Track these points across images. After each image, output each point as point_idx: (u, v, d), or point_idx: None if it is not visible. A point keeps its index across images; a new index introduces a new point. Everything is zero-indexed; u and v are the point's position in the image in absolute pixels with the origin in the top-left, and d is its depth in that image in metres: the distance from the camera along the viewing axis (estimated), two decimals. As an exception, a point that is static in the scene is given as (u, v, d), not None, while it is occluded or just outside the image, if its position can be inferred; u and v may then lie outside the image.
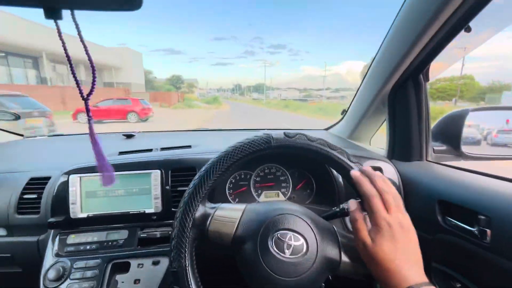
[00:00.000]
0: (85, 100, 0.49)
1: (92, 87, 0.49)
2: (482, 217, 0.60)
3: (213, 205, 0.54)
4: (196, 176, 0.51)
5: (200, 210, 0.51)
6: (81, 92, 0.50)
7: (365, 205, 0.47)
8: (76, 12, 0.48)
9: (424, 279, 0.41)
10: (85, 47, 0.51)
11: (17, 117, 1.25)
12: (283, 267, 0.45)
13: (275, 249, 0.46)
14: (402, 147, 0.92)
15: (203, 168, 0.51)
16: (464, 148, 0.86)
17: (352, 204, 0.49)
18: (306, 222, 0.49)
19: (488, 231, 0.59)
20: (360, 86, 1.06)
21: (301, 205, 0.56)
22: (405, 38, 0.69)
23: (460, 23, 0.60)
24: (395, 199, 0.46)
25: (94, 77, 0.50)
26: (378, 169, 0.88)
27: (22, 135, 1.37)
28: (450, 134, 0.88)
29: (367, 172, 0.49)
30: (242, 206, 0.54)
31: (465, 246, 0.65)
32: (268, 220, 0.49)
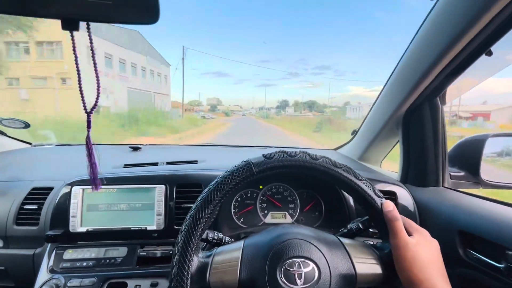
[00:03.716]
0: (88, 113, 0.50)
1: (96, 102, 0.50)
2: (511, 252, 0.55)
3: (207, 252, 0.49)
4: (183, 227, 0.46)
5: (195, 263, 0.45)
6: (84, 106, 0.50)
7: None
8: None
9: None
10: (94, 60, 0.51)
11: (26, 125, 1.26)
12: None
13: (287, 283, 0.42)
14: (417, 172, 0.88)
15: (188, 216, 0.47)
16: (484, 175, 0.81)
17: (388, 204, 0.48)
18: (310, 242, 0.46)
19: None
20: (372, 106, 1.04)
21: (300, 225, 0.53)
22: (424, 59, 0.68)
23: (482, 47, 0.58)
24: None
25: (98, 92, 0.51)
26: (391, 193, 0.84)
27: (30, 143, 1.37)
28: (469, 160, 0.84)
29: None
30: (240, 244, 0.49)
31: (489, 283, 0.60)
32: (272, 253, 0.45)
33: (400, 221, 0.46)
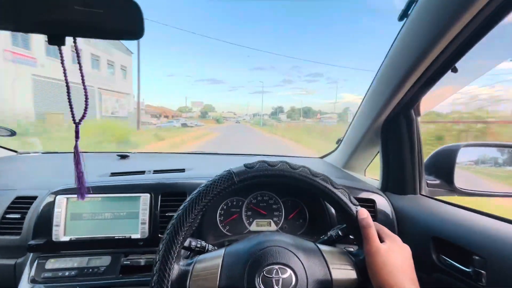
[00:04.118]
0: (77, 124, 0.53)
1: (85, 113, 0.52)
2: (477, 257, 0.58)
3: (189, 260, 0.50)
4: (165, 235, 0.47)
5: (176, 271, 0.47)
6: (73, 116, 0.53)
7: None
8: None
9: None
10: (81, 73, 0.54)
11: (12, 133, 1.25)
12: None
13: None
14: (396, 180, 0.91)
15: (170, 225, 0.48)
16: (458, 183, 0.86)
17: (362, 212, 0.50)
18: (289, 250, 0.48)
19: (484, 273, 0.57)
20: (354, 116, 1.08)
21: (281, 232, 0.55)
22: (396, 75, 0.72)
23: (447, 64, 0.63)
24: None
25: (86, 103, 0.53)
26: (371, 201, 0.87)
27: (16, 151, 1.36)
28: (443, 168, 0.88)
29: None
30: (221, 252, 0.51)
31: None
32: (251, 260, 0.47)
33: (373, 228, 0.48)
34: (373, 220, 0.50)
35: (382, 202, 0.87)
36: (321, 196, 0.53)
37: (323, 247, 0.52)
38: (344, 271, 0.49)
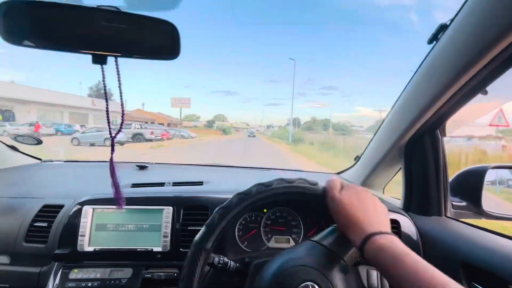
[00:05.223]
0: (113, 138, 0.56)
1: (121, 127, 0.55)
2: None
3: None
4: (189, 253, 0.49)
5: None
6: (110, 130, 0.56)
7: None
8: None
9: (384, 229, 0.45)
10: (120, 90, 0.57)
11: (39, 141, 1.30)
12: None
13: None
14: (419, 200, 0.89)
15: (192, 246, 0.50)
16: (486, 206, 0.83)
17: (334, 177, 0.53)
18: (308, 266, 0.48)
19: None
20: (375, 134, 1.08)
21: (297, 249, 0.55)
22: (425, 94, 0.72)
23: (478, 86, 0.62)
24: None
25: (122, 118, 0.56)
26: (395, 221, 0.85)
27: (40, 159, 1.40)
28: (470, 190, 0.86)
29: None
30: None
31: None
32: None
33: (335, 181, 0.54)
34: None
35: (406, 223, 0.85)
36: (287, 198, 0.54)
37: (323, 242, 0.52)
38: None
